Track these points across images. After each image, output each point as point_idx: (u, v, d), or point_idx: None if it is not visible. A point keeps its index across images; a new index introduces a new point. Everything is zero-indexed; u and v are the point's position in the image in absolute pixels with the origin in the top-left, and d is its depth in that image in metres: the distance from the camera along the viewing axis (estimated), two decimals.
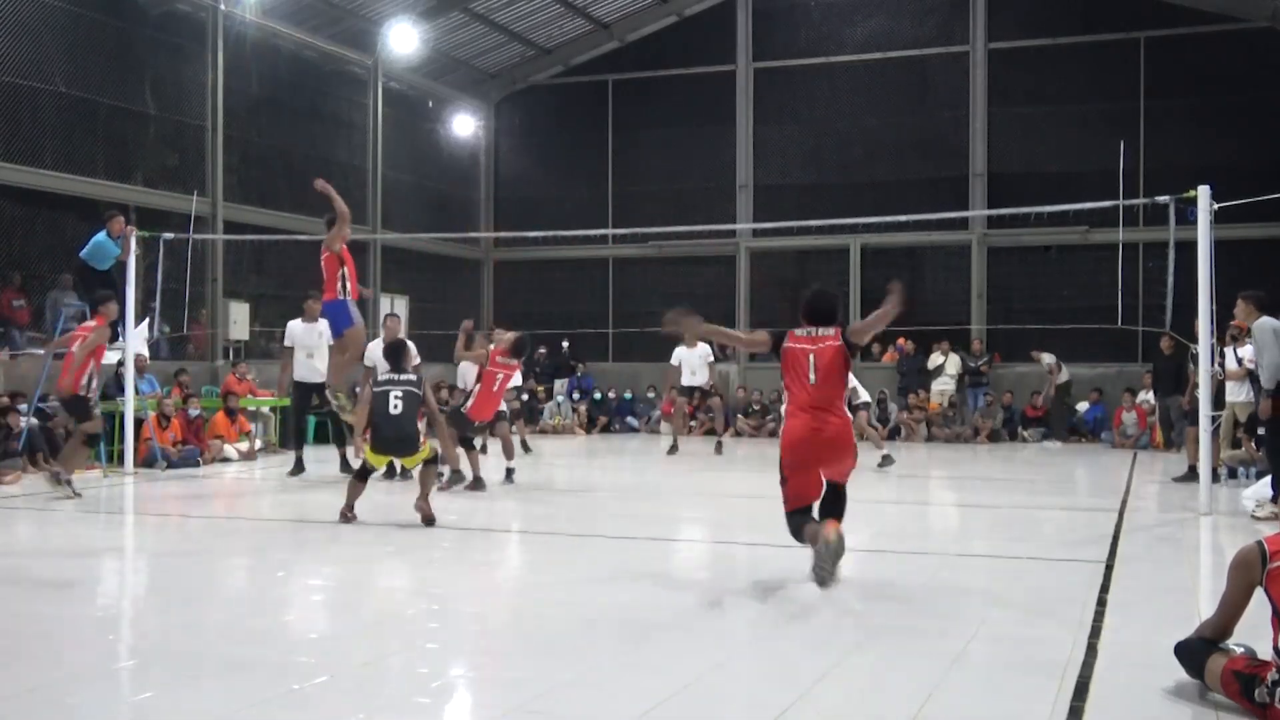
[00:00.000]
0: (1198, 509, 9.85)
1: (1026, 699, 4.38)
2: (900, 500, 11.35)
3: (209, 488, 12.04)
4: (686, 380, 16.08)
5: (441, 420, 10.33)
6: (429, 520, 8.77)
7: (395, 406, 8.97)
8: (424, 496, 9.00)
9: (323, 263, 11.34)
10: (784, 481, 6.63)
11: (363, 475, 9.26)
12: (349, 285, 11.27)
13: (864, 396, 13.94)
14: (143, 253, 13.91)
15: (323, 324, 12.53)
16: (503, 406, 12.13)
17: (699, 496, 11.58)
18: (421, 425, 9.50)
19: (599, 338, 22.73)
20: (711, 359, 16.27)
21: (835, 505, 6.67)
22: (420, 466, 9.15)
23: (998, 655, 5.10)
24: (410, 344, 10.31)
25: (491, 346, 11.86)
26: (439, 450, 9.55)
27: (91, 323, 11.34)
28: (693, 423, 20.39)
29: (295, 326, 13.02)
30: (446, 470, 11.09)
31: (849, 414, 6.79)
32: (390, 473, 12.03)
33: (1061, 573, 7.17)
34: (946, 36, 21.41)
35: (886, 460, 13.52)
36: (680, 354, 16.07)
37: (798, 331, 6.75)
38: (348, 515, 9.08)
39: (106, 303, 11.59)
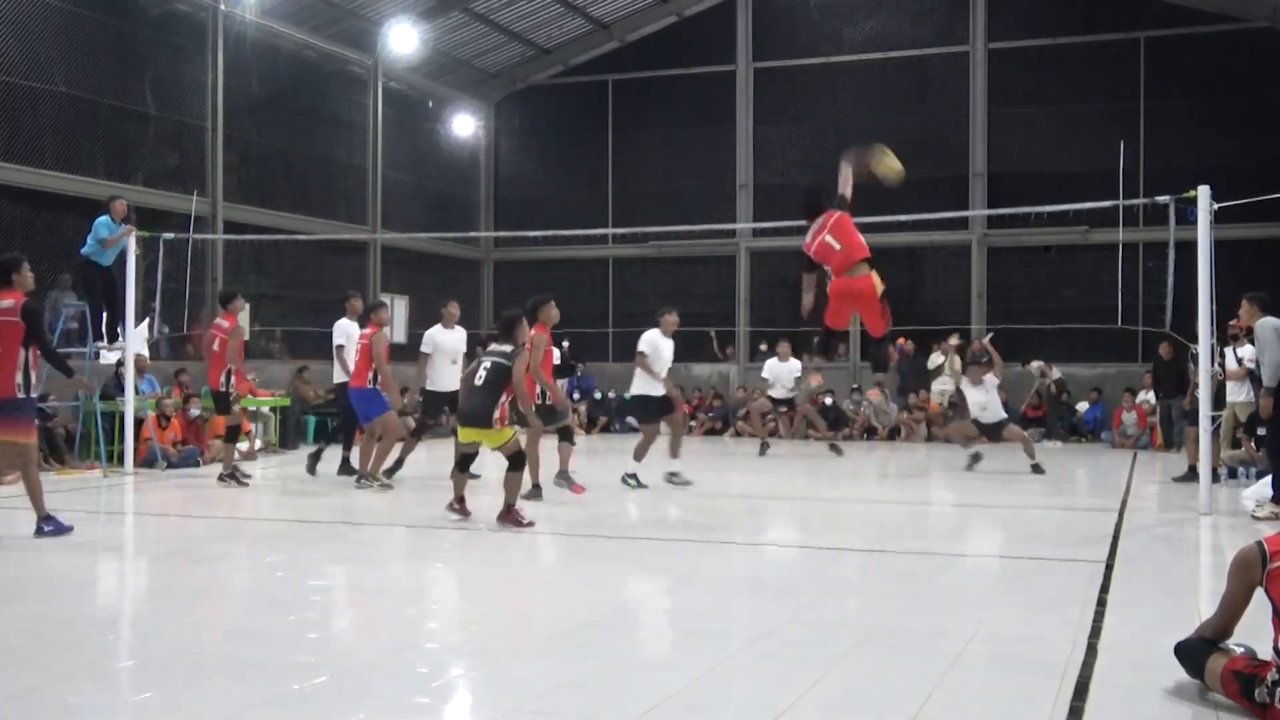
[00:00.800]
0: (1198, 509, 9.85)
1: (1026, 699, 4.38)
2: (900, 500, 11.34)
3: (209, 488, 12.04)
4: (779, 394, 16.31)
5: (528, 402, 9.37)
6: (520, 523, 8.67)
7: (480, 377, 8.82)
8: (507, 508, 8.76)
9: (358, 348, 11.55)
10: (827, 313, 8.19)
11: (462, 464, 9.10)
12: (380, 378, 11.45)
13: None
14: (143, 253, 13.90)
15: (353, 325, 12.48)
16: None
17: (699, 497, 11.57)
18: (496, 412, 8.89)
19: (599, 338, 22.73)
20: (799, 374, 16.33)
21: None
22: (505, 471, 8.87)
23: (998, 655, 5.10)
24: (524, 320, 9.41)
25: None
26: (523, 450, 9.05)
27: (224, 322, 12.06)
28: (693, 423, 20.41)
29: (345, 324, 12.45)
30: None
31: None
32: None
33: (1061, 573, 7.16)
34: (946, 36, 21.41)
35: (975, 459, 13.85)
36: (772, 368, 16.32)
37: (808, 236, 8.24)
38: (455, 507, 9.06)
39: (232, 300, 12.27)
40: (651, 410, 11.74)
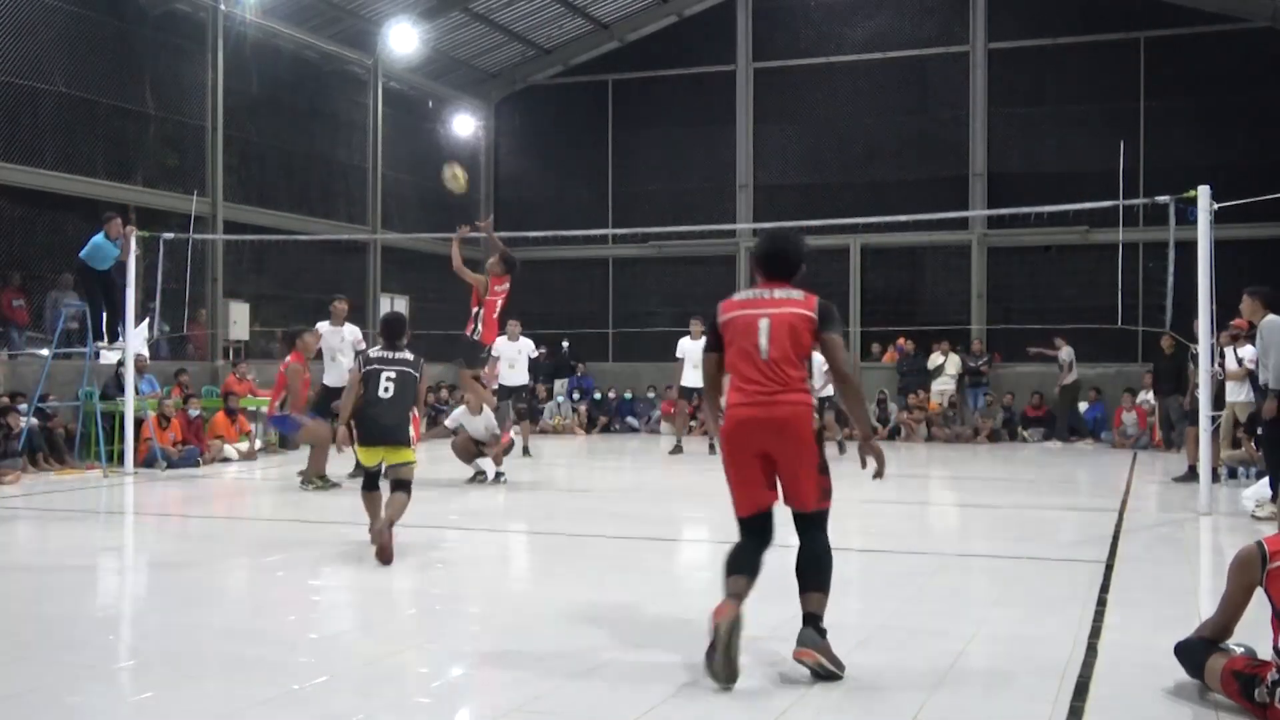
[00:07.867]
0: (1198, 509, 9.85)
1: (1026, 699, 4.38)
2: (900, 500, 11.34)
3: (209, 488, 12.04)
4: (688, 379, 15.34)
5: (422, 419, 8.29)
6: (386, 556, 7.25)
7: (386, 390, 7.63)
8: (389, 523, 7.44)
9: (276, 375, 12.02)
10: (729, 481, 4.94)
11: (370, 484, 7.87)
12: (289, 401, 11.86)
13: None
14: (143, 253, 13.91)
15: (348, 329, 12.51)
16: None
17: (699, 496, 11.57)
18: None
19: (599, 338, 22.73)
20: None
21: (811, 569, 4.87)
22: (390, 490, 7.67)
23: (998, 655, 5.10)
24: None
25: (488, 276, 11.38)
26: (410, 478, 7.78)
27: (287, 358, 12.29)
28: (693, 423, 20.41)
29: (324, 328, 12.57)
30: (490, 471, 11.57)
31: (813, 399, 4.97)
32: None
33: (1061, 573, 7.17)
34: (946, 36, 21.40)
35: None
36: (684, 347, 15.50)
37: (738, 295, 5.08)
38: (385, 535, 7.38)
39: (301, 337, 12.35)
40: None
